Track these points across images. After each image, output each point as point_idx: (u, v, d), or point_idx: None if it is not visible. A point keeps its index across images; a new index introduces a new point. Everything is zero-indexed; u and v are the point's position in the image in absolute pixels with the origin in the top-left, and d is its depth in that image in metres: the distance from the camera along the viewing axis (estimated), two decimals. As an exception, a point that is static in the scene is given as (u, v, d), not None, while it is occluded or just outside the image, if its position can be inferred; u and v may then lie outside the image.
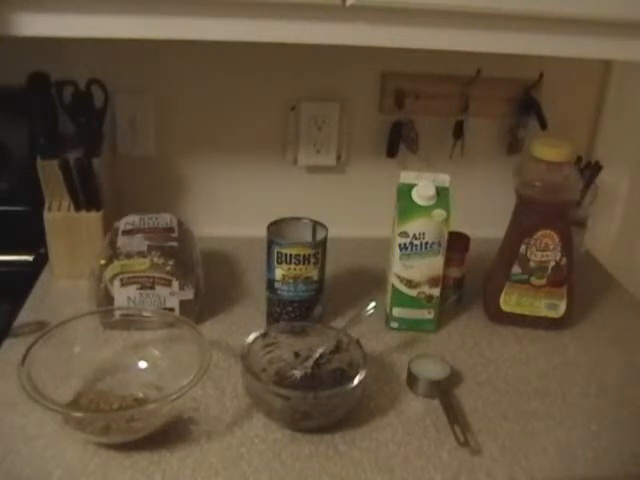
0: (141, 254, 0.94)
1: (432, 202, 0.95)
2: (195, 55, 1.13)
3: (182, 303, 0.95)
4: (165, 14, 0.78)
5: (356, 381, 0.79)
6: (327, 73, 1.19)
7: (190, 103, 1.19)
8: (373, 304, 0.92)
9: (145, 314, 0.91)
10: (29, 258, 1.13)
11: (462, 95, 1.20)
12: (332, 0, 0.78)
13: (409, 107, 1.20)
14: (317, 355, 0.87)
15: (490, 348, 0.99)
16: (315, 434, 0.79)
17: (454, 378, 0.90)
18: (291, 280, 0.94)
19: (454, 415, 0.82)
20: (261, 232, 0.95)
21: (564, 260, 0.99)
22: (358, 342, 0.86)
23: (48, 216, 1.05)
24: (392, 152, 1.24)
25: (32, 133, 1.06)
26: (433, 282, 0.98)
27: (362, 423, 0.82)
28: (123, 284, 0.93)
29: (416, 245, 0.95)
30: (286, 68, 1.17)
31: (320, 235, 0.96)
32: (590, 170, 1.22)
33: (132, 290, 0.93)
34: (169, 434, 0.78)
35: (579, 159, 1.24)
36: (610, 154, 1.27)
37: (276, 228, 0.95)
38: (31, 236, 1.07)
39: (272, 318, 0.99)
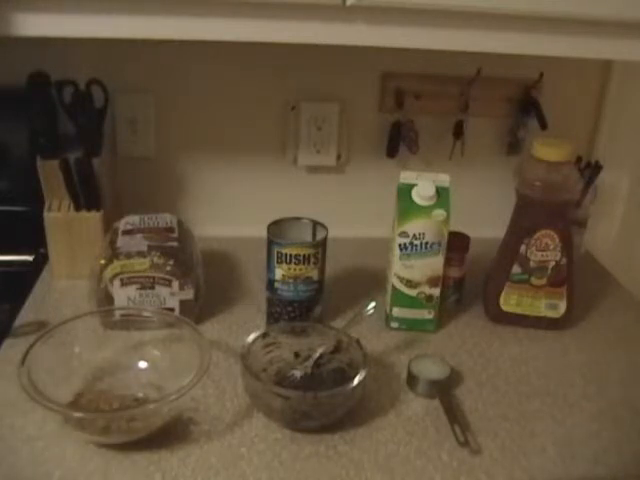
0: (141, 254, 0.94)
1: (432, 202, 0.95)
2: (195, 55, 1.13)
3: (182, 303, 0.95)
4: (165, 14, 0.78)
5: (356, 381, 0.79)
6: (327, 73, 1.19)
7: (190, 103, 1.19)
8: (373, 304, 0.92)
9: (145, 314, 0.90)
10: (29, 258, 1.13)
11: (462, 95, 1.20)
12: (332, 0, 0.78)
13: (409, 107, 1.20)
14: (317, 355, 0.87)
15: (490, 348, 0.99)
16: (315, 434, 0.79)
17: (454, 378, 0.90)
18: (291, 280, 0.94)
19: (454, 415, 0.82)
20: (261, 232, 0.95)
21: (564, 260, 0.99)
22: (358, 342, 0.86)
23: (48, 216, 1.05)
24: (392, 152, 1.24)
25: (32, 133, 1.05)
26: (433, 282, 0.98)
27: (362, 423, 0.82)
28: (123, 284, 0.93)
29: (416, 245, 0.95)
30: (286, 68, 1.17)
31: (320, 235, 0.96)
32: (590, 170, 1.23)
33: (132, 290, 0.93)
34: (169, 434, 0.78)
35: (579, 159, 1.25)
36: (610, 154, 1.27)
37: (276, 228, 0.95)
38: (31, 236, 1.07)
39: (272, 318, 0.99)
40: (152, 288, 0.94)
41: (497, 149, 1.28)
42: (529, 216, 1.00)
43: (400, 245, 0.96)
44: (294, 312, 0.96)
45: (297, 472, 0.74)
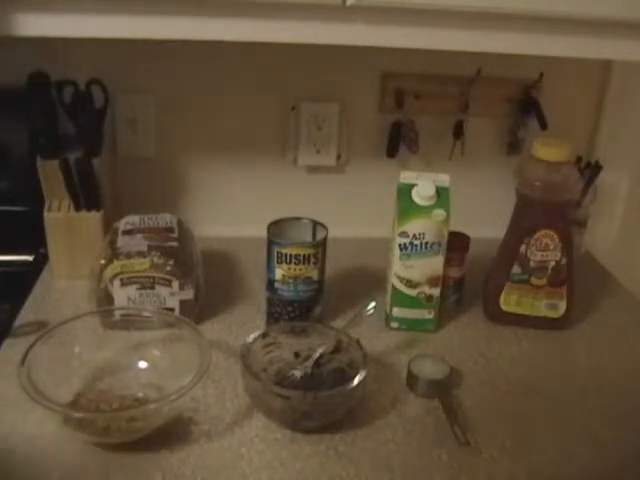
0: (141, 254, 0.94)
1: (432, 202, 0.95)
2: (195, 55, 1.13)
3: (182, 303, 0.95)
4: (165, 14, 0.78)
5: (356, 381, 0.79)
6: (327, 73, 1.19)
7: (190, 103, 1.19)
8: (373, 304, 0.92)
9: (145, 314, 0.91)
10: (29, 258, 1.13)
11: (462, 95, 1.20)
12: (332, 0, 0.78)
13: (409, 107, 1.20)
14: (317, 355, 0.87)
15: (490, 348, 0.99)
16: (315, 434, 0.79)
17: (454, 378, 0.90)
18: (291, 280, 0.94)
19: (454, 415, 0.82)
20: (261, 232, 0.95)
21: (564, 260, 0.99)
22: (358, 342, 0.86)
23: (48, 216, 1.05)
24: (392, 152, 1.24)
25: (32, 133, 1.05)
26: (433, 282, 0.98)
27: (362, 423, 0.82)
28: (123, 284, 0.93)
29: (416, 245, 0.95)
30: (286, 68, 1.17)
31: (320, 235, 0.96)
32: (590, 170, 1.22)
33: (132, 290, 0.93)
34: (169, 434, 0.78)
35: (579, 159, 1.24)
36: (610, 154, 1.27)
37: (276, 228, 0.95)
38: (31, 236, 1.07)
39: (272, 318, 0.99)
40: (152, 288, 0.94)
41: (497, 149, 1.28)
42: (529, 216, 1.00)
43: (400, 245, 0.96)
44: (294, 312, 0.96)
45: (297, 472, 0.74)
